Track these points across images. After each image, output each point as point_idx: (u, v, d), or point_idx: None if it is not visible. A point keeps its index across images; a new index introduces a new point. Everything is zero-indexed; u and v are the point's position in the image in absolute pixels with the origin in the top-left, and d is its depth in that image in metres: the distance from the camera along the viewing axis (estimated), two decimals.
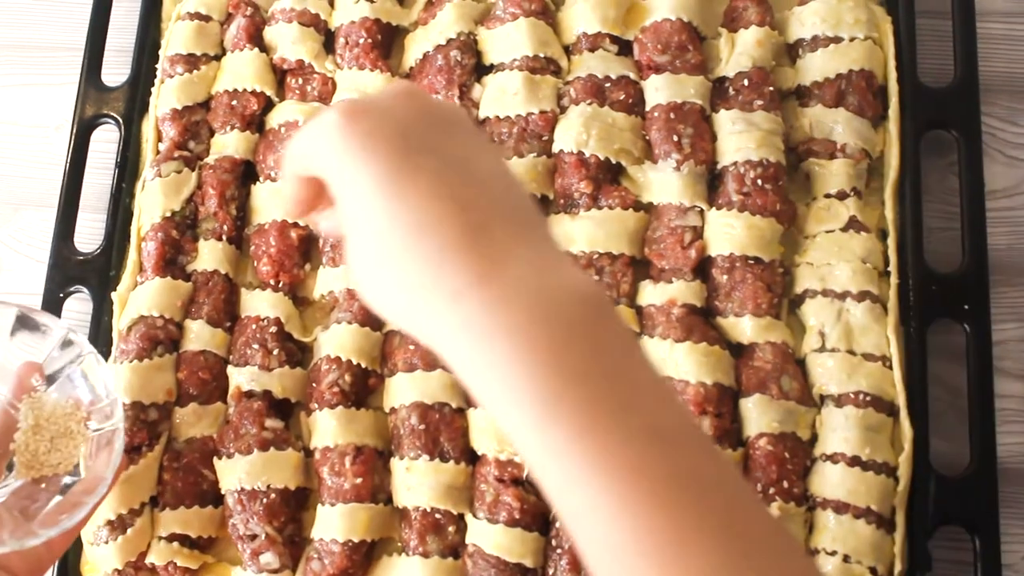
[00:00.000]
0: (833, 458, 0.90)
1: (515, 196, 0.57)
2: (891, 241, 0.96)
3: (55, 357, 0.83)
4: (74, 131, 1.08)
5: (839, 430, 0.90)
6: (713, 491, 0.49)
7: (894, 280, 0.95)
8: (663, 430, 0.50)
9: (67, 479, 0.81)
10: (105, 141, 1.10)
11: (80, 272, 1.03)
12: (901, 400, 0.92)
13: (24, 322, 0.82)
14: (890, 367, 0.93)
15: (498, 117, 1.02)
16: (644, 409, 0.50)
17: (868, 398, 0.91)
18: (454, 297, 0.51)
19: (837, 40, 1.01)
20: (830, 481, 0.89)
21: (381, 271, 0.54)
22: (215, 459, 0.95)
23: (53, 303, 1.02)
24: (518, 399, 0.50)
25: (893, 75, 1.00)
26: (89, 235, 1.07)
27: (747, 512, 0.50)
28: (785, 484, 0.90)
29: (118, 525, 0.93)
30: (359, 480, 0.92)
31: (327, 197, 0.63)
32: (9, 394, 0.81)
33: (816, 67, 1.01)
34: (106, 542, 0.92)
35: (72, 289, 1.03)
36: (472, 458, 0.94)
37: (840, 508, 0.88)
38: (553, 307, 0.51)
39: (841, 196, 0.98)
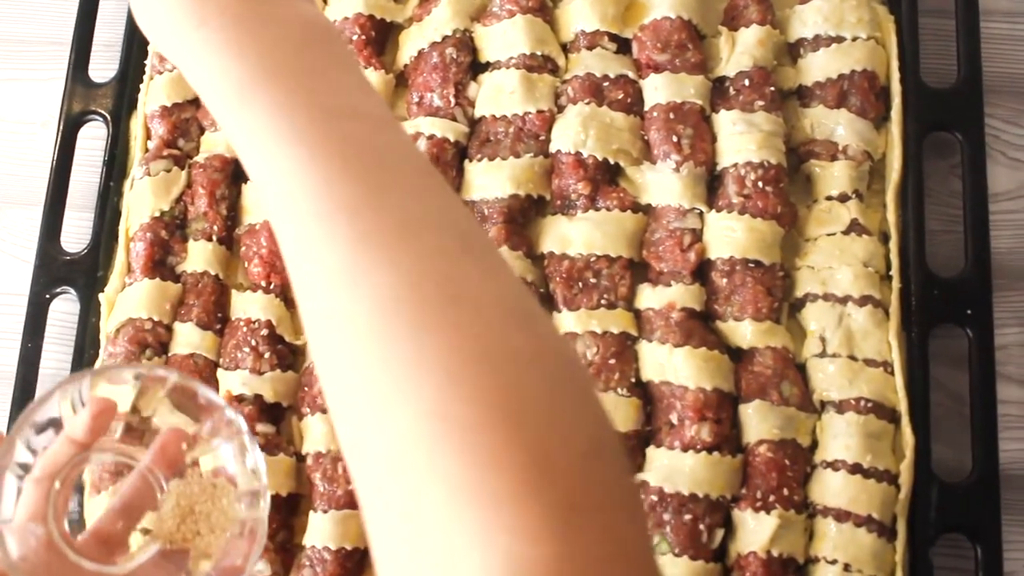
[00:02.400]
0: (834, 465, 0.89)
1: None
2: (893, 244, 0.95)
3: (208, 429, 0.73)
4: (61, 128, 1.05)
5: (840, 437, 0.89)
6: (398, 165, 0.52)
7: (896, 284, 0.94)
8: (353, 113, 0.54)
9: (203, 565, 0.71)
10: (92, 138, 1.07)
11: (67, 273, 1.01)
12: (903, 407, 0.90)
13: (182, 392, 0.75)
14: (891, 373, 0.91)
15: (494, 116, 1.00)
16: (342, 95, 0.54)
17: (869, 404, 0.90)
18: (198, 24, 0.55)
19: (839, 40, 0.99)
20: (831, 489, 0.88)
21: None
22: None
23: (39, 304, 1.00)
24: (225, 86, 0.54)
25: (896, 76, 0.99)
26: (75, 234, 1.04)
27: (421, 188, 0.53)
28: (785, 491, 0.88)
29: None
30: (352, 486, 0.90)
31: None
32: (149, 459, 0.72)
33: (818, 67, 0.99)
34: None
35: (58, 290, 1.01)
36: None
37: (841, 516, 0.87)
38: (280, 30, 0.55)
39: (843, 198, 0.96)
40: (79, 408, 0.68)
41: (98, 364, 0.97)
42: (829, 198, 0.97)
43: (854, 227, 0.95)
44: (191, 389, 0.71)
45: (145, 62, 1.07)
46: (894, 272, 0.94)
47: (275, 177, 0.52)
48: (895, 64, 0.99)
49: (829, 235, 0.95)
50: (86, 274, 1.01)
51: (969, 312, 0.93)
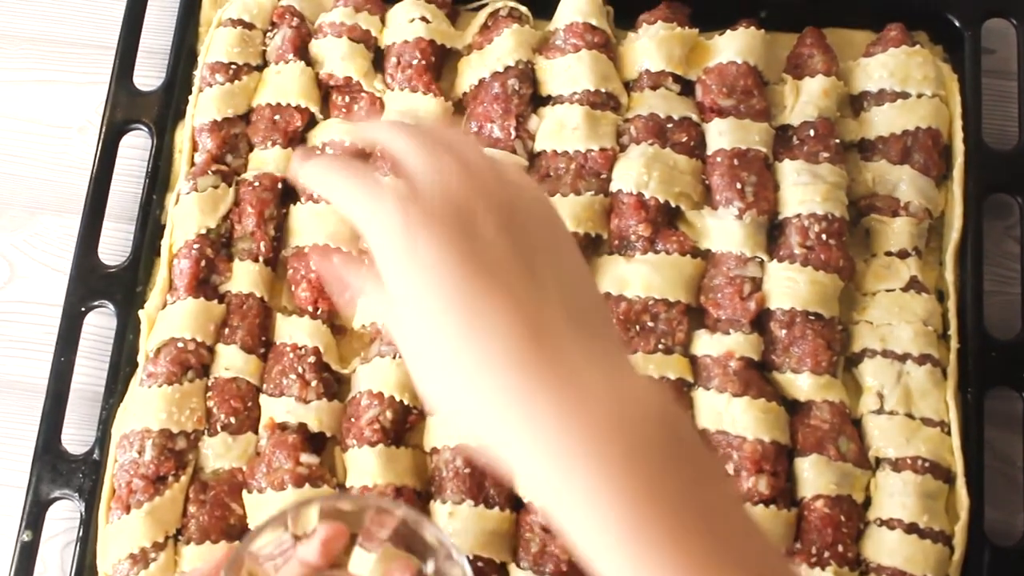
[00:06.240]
0: (889, 523, 0.88)
1: (586, 297, 0.59)
2: (951, 304, 0.95)
3: (432, 569, 0.74)
4: (103, 135, 1.02)
5: (896, 495, 0.89)
6: None
7: (954, 344, 0.93)
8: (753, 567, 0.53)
9: None
10: (132, 147, 1.04)
11: (104, 286, 0.98)
12: (959, 468, 0.90)
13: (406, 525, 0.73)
14: (948, 433, 0.91)
15: (555, 151, 0.99)
16: (734, 546, 0.52)
17: (926, 464, 0.89)
18: (524, 405, 0.53)
19: (904, 96, 0.99)
20: (886, 547, 0.87)
21: (446, 372, 0.56)
22: (244, 493, 0.90)
23: (74, 317, 0.96)
24: (603, 527, 0.52)
25: (959, 135, 0.99)
26: (112, 246, 1.01)
27: None
28: (840, 548, 0.88)
29: (140, 559, 0.88)
30: None
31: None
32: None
33: (882, 122, 0.99)
34: None
35: (95, 303, 0.97)
36: (517, 505, 0.90)
37: None
38: (628, 427, 0.53)
39: (902, 255, 0.96)
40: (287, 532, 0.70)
41: (135, 381, 0.94)
42: (888, 253, 0.97)
43: (913, 284, 0.95)
44: (418, 524, 0.72)
45: (193, 72, 1.04)
46: (952, 332, 0.94)
47: None
48: (958, 123, 0.99)
49: (888, 291, 0.95)
50: (125, 288, 0.97)
51: None
